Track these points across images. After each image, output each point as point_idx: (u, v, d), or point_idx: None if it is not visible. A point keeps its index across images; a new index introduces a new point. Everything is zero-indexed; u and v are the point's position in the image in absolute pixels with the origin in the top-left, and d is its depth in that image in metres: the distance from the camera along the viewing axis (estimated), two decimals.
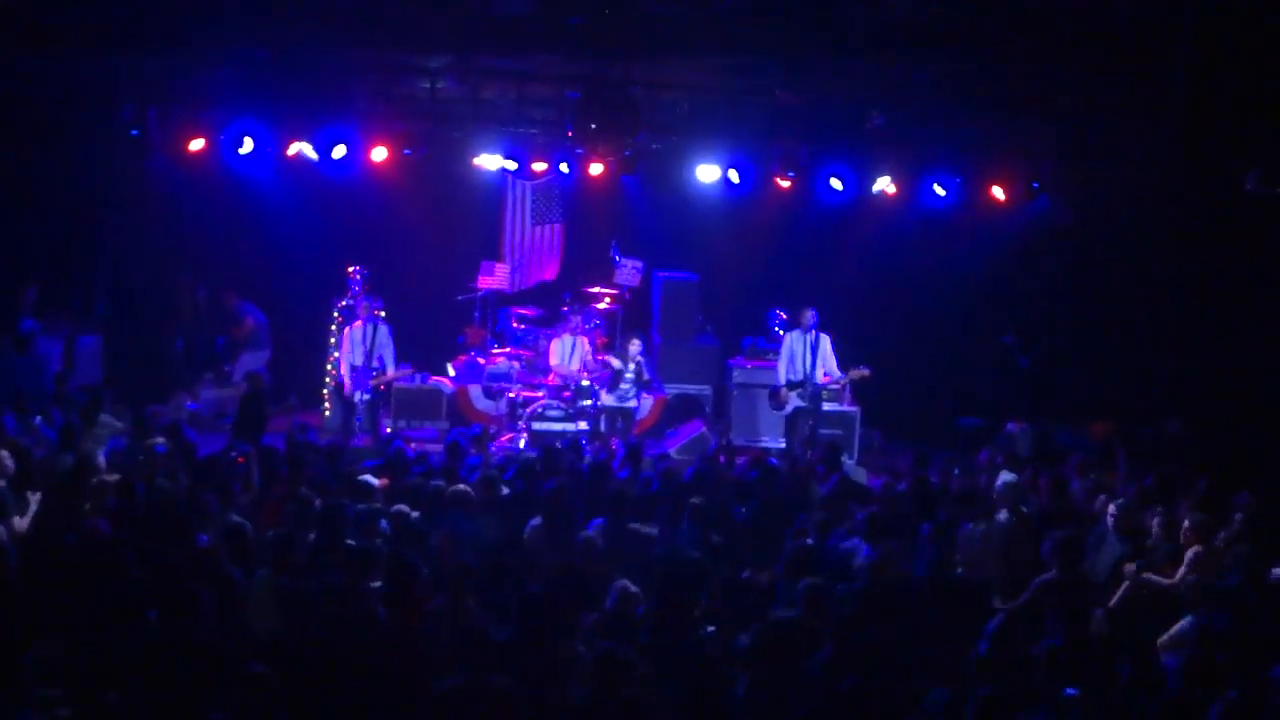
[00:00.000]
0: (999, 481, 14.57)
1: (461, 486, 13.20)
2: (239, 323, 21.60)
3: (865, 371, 19.15)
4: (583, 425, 19.49)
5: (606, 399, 19.63)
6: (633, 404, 19.76)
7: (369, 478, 13.78)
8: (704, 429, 20.29)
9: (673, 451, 19.30)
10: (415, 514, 12.59)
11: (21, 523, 12.73)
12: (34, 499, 13.10)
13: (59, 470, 13.76)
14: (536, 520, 12.83)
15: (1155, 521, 13.26)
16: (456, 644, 9.42)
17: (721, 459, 16.90)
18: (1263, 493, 14.05)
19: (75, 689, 8.78)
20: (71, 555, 11.37)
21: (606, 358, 20.19)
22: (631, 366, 19.53)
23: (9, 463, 13.18)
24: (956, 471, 16.26)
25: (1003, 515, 13.64)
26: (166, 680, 9.08)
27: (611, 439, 19.24)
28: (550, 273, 23.10)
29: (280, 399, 20.54)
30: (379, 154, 20.67)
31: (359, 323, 19.14)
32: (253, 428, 17.15)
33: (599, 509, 13.13)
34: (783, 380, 19.23)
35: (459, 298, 21.79)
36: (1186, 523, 12.78)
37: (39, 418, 16.62)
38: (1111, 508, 13.44)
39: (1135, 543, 12.85)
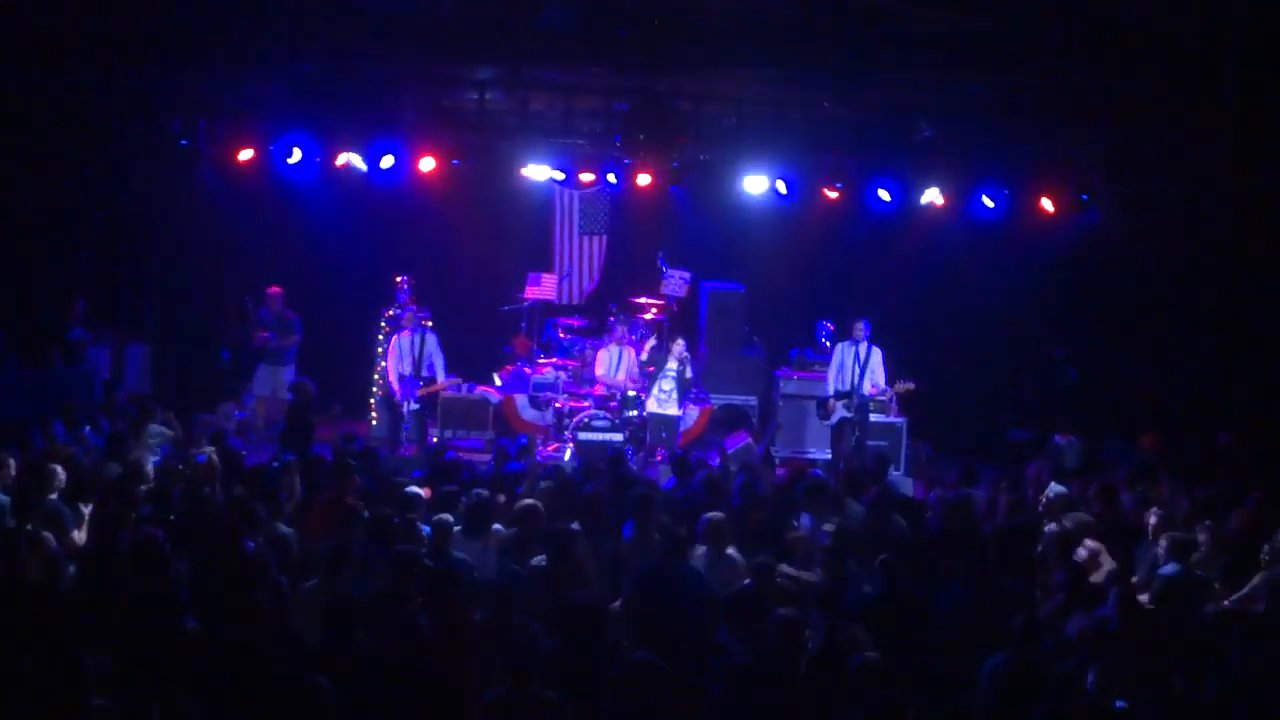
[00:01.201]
0: (1049, 493, 14.45)
1: (529, 501, 13.11)
2: (290, 333, 21.37)
3: (910, 385, 19.09)
4: (618, 437, 19.42)
5: (651, 405, 19.56)
6: (675, 411, 19.68)
7: (415, 488, 13.75)
8: (749, 439, 20.21)
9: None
10: (459, 528, 12.55)
11: (80, 535, 12.77)
12: (87, 510, 13.15)
13: (107, 479, 13.84)
14: (574, 525, 12.80)
15: (1203, 536, 13.14)
16: (504, 654, 9.41)
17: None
18: None
19: (125, 700, 8.79)
20: (121, 564, 11.41)
21: (644, 347, 20.23)
22: (674, 365, 19.43)
23: (61, 475, 13.22)
24: (1004, 485, 16.12)
25: (1051, 527, 13.54)
26: (216, 691, 9.11)
27: (657, 449, 19.24)
28: (601, 290, 23.11)
29: (324, 409, 20.51)
30: (427, 165, 20.77)
31: (406, 332, 19.23)
32: (299, 437, 17.18)
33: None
34: (831, 390, 19.19)
35: (505, 308, 21.80)
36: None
37: (87, 427, 16.71)
38: (1154, 518, 13.32)
39: (1185, 567, 12.69)
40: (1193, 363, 20.95)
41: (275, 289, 21.10)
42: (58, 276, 21.12)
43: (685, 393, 19.68)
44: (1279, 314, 19.71)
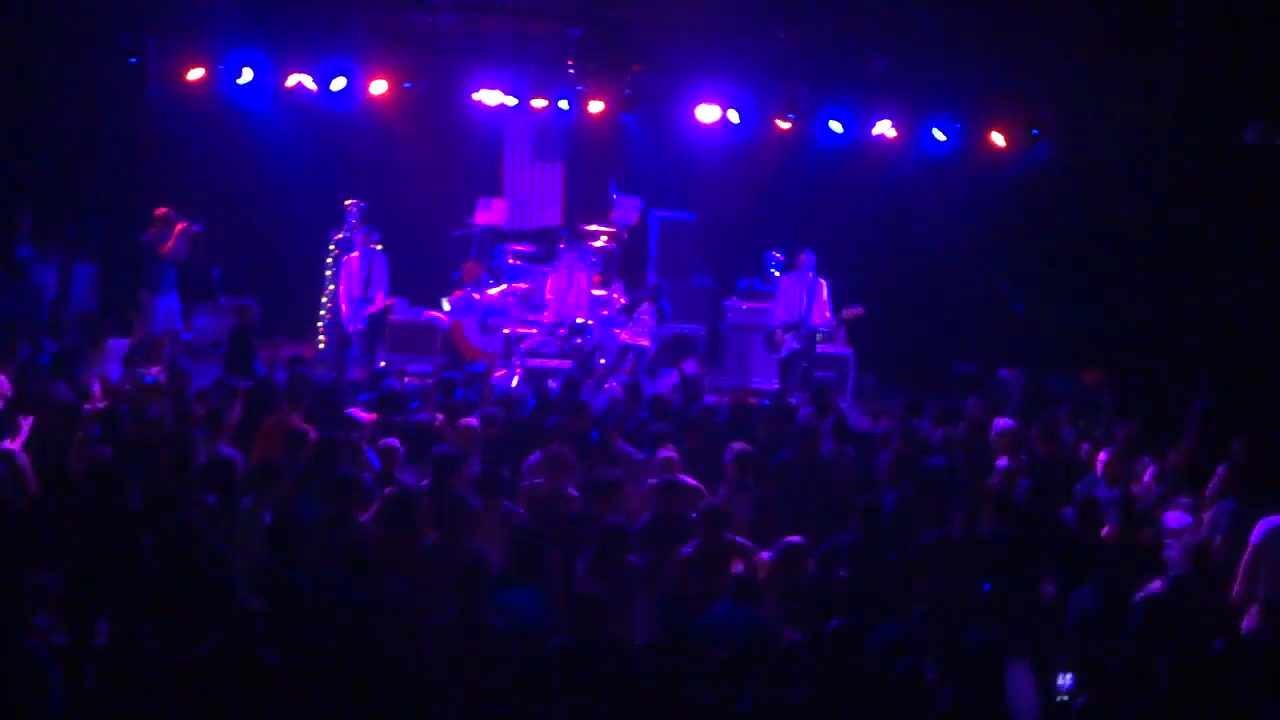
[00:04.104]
0: (996, 429, 14.50)
1: (467, 420, 13.22)
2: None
3: (859, 310, 19.04)
4: (566, 363, 19.42)
5: (622, 334, 19.55)
6: (644, 342, 19.67)
7: (356, 411, 13.75)
8: (698, 368, 20.23)
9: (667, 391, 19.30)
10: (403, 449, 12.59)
11: (11, 444, 12.67)
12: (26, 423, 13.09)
13: (53, 398, 13.77)
14: (536, 457, 12.82)
15: (1149, 471, 13.25)
16: (451, 578, 9.46)
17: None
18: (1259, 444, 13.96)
19: (69, 617, 8.84)
20: (68, 483, 11.40)
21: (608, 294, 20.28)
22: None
23: (5, 386, 13.16)
24: (941, 421, 15.97)
25: (1003, 462, 13.65)
26: (158, 610, 9.14)
27: (608, 377, 19.28)
28: (552, 216, 23.04)
29: (268, 333, 20.22)
30: (378, 87, 20.65)
31: (356, 254, 19.14)
32: (241, 360, 17.08)
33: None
34: (778, 322, 19.21)
35: (455, 233, 21.73)
36: None
37: (29, 347, 16.59)
38: (1103, 455, 13.37)
39: (1122, 491, 12.79)
40: (1138, 298, 21.09)
41: None
42: (4, 193, 20.93)
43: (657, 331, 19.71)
44: (1224, 249, 19.87)
